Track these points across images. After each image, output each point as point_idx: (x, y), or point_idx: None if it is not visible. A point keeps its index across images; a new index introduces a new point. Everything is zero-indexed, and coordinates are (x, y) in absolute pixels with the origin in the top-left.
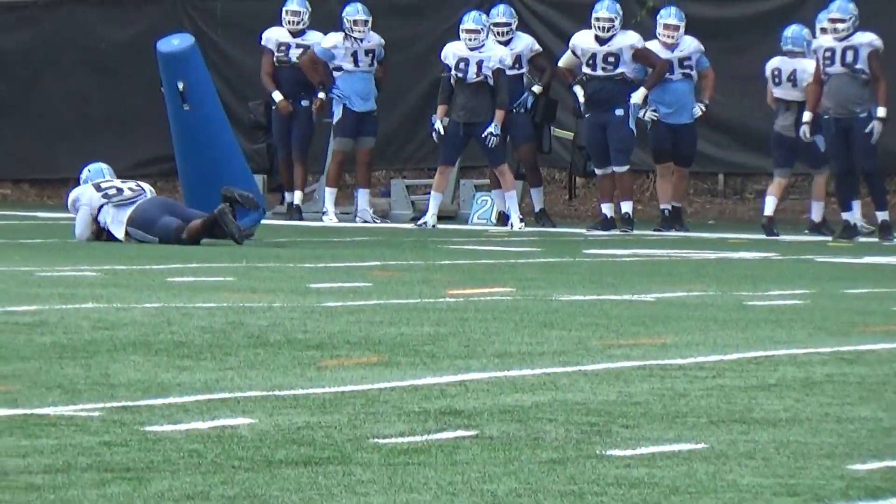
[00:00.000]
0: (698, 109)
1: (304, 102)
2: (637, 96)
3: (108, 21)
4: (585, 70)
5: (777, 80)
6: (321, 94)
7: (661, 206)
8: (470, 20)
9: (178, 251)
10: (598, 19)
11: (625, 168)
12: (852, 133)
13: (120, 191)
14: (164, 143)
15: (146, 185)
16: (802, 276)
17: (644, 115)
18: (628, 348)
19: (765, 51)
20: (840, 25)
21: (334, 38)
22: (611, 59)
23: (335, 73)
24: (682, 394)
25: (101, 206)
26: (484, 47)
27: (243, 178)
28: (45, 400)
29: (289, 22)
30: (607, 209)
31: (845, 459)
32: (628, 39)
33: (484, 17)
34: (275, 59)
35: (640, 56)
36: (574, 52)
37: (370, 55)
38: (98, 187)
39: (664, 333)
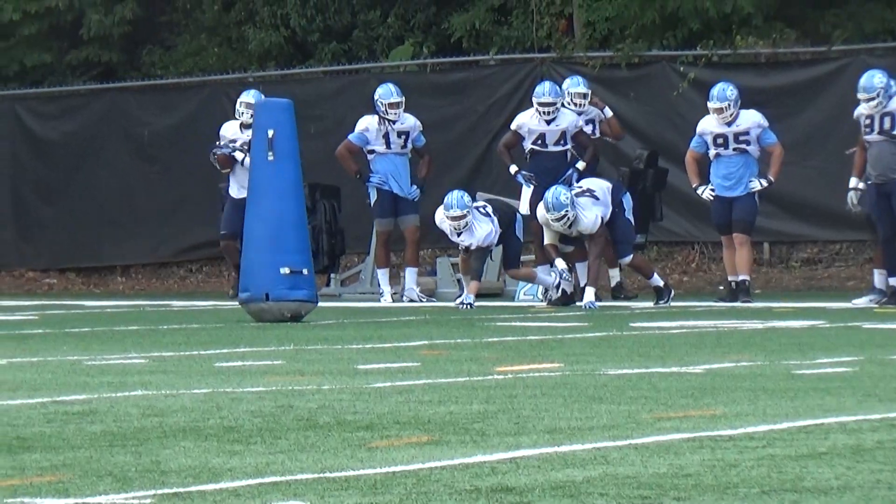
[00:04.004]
0: (757, 183)
1: None
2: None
3: (150, 108)
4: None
5: None
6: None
7: (729, 279)
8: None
9: (225, 335)
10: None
11: (629, 258)
12: (893, 197)
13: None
14: (208, 228)
15: None
16: (850, 343)
17: (703, 193)
18: (678, 420)
19: (808, 119)
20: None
21: (366, 122)
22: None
23: (368, 157)
24: (732, 464)
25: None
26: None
27: (302, 243)
28: (97, 488)
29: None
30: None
31: None
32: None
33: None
34: None
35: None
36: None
37: (403, 136)
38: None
39: (713, 405)
